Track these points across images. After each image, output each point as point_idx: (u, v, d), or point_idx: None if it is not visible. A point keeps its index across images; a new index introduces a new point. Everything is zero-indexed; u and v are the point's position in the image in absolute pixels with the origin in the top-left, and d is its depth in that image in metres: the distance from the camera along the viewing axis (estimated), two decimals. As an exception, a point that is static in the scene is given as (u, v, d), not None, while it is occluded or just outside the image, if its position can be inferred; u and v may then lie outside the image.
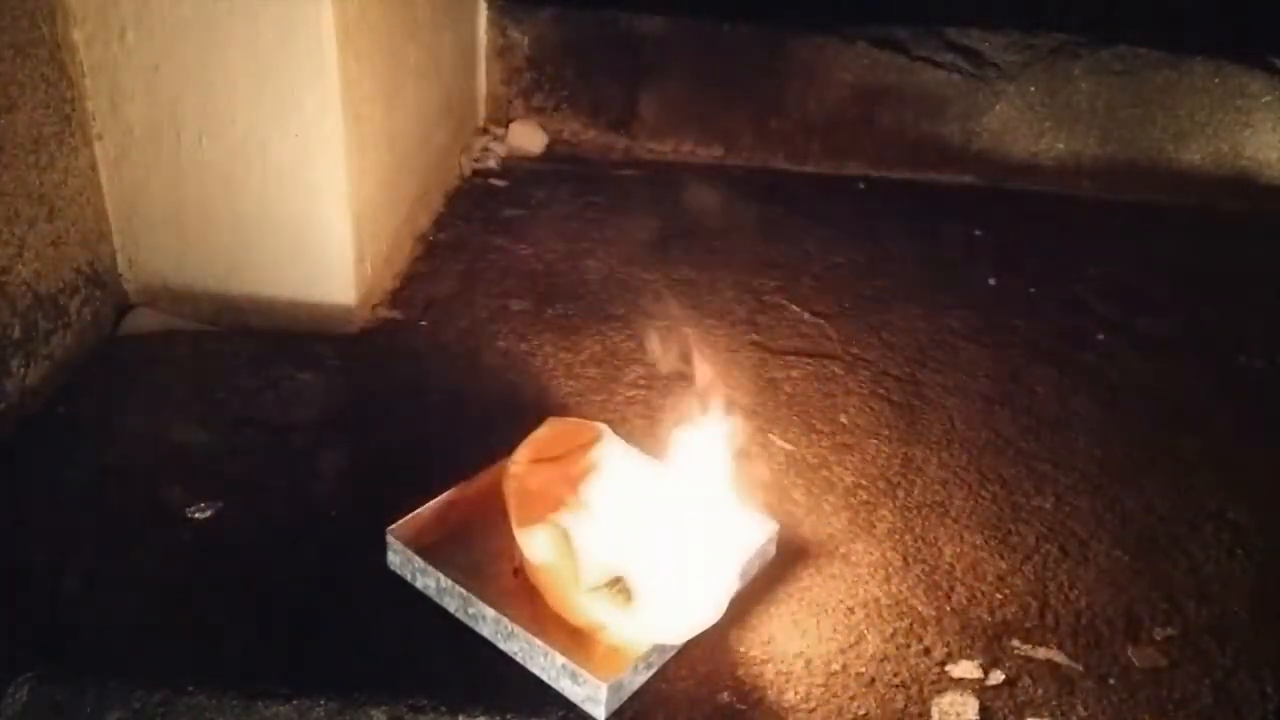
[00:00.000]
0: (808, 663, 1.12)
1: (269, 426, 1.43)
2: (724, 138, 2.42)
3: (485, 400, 1.52)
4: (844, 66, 2.33)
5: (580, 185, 2.24)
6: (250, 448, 1.39)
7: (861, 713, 1.07)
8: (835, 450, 1.46)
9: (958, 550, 1.30)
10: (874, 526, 1.33)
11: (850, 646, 1.15)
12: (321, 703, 1.04)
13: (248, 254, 1.62)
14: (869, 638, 1.16)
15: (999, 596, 1.23)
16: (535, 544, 1.09)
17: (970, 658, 1.14)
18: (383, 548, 1.18)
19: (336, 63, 1.49)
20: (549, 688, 1.06)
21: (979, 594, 1.23)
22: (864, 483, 1.40)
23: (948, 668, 1.13)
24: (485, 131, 2.41)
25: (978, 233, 2.14)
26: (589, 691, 1.03)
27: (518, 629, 1.07)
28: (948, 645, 1.16)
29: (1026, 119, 2.34)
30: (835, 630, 1.17)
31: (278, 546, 1.23)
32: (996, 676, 1.12)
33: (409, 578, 1.17)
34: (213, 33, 1.47)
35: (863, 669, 1.12)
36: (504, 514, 1.14)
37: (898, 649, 1.15)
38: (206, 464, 1.35)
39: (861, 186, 2.34)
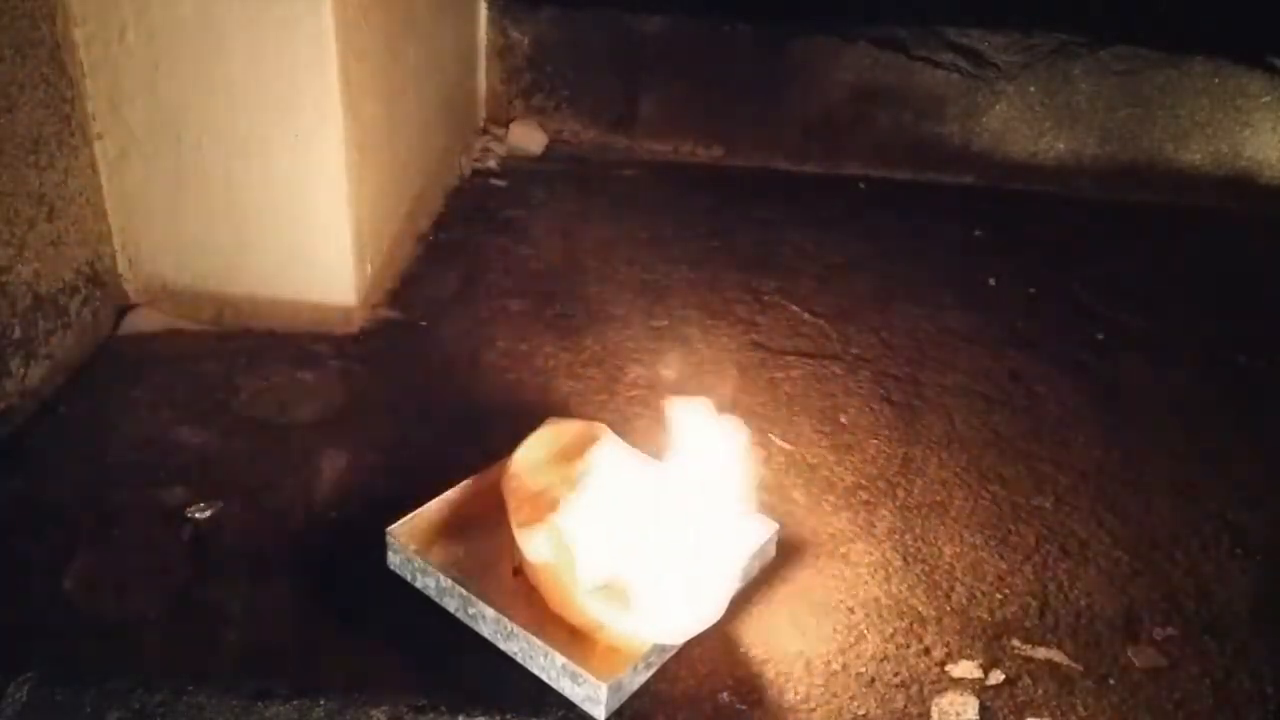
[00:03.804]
0: (808, 663, 1.12)
1: (269, 426, 1.43)
2: (724, 138, 2.42)
3: (485, 400, 1.52)
4: (844, 66, 2.34)
5: (580, 185, 2.24)
6: (250, 448, 1.39)
7: (861, 713, 1.07)
8: (835, 450, 1.46)
9: (958, 550, 1.30)
10: (874, 526, 1.33)
11: (850, 646, 1.15)
12: (321, 703, 1.04)
13: (248, 254, 1.62)
14: (869, 638, 1.16)
15: (999, 596, 1.23)
16: (535, 544, 1.09)
17: (970, 658, 1.14)
18: (383, 548, 1.18)
19: (336, 63, 1.49)
20: (549, 688, 1.06)
21: (979, 594, 1.23)
22: (864, 483, 1.40)
23: (948, 668, 1.13)
24: (485, 131, 2.41)
25: (978, 233, 2.14)
26: (589, 691, 1.03)
27: (518, 629, 1.07)
28: (948, 645, 1.16)
29: (1026, 119, 2.34)
30: (835, 630, 1.17)
31: (278, 546, 1.23)
32: (996, 676, 1.12)
33: (409, 578, 1.17)
34: (213, 32, 1.47)
35: (863, 669, 1.12)
36: (504, 514, 1.14)
37: (898, 649, 1.15)
38: (206, 464, 1.35)
39: (861, 186, 2.34)
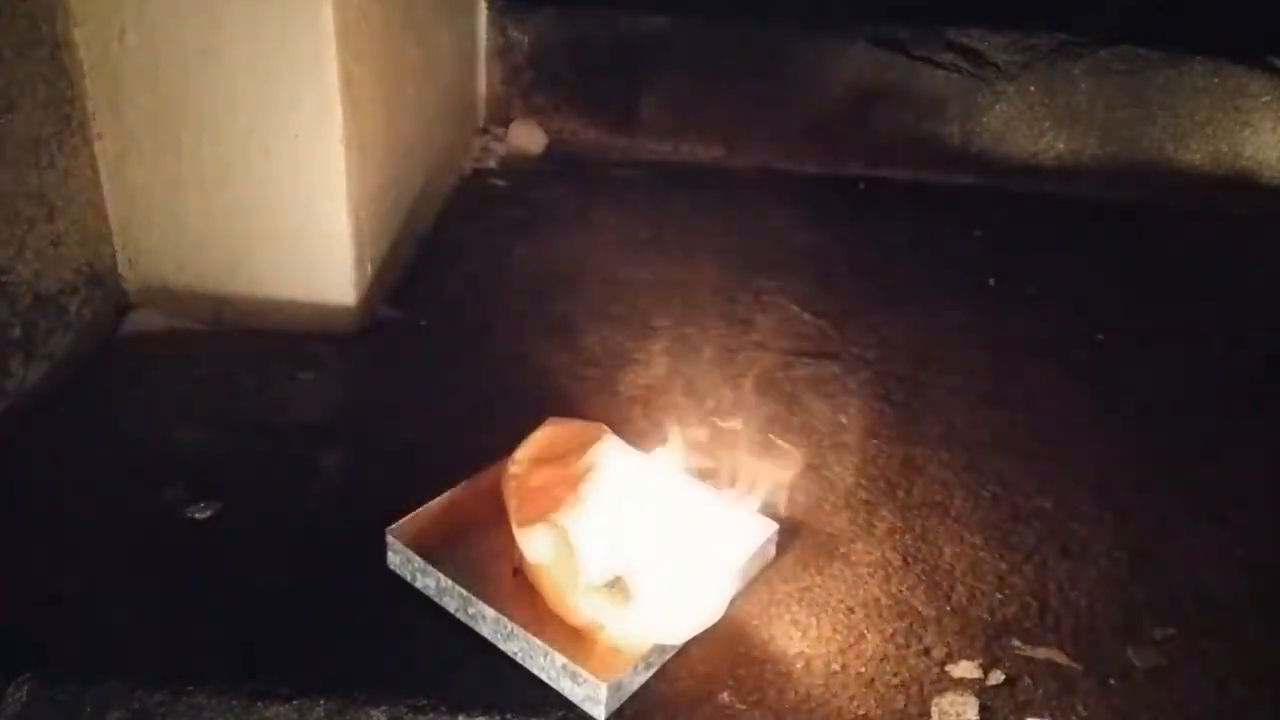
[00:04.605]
0: (808, 663, 1.12)
1: (269, 426, 1.43)
2: (724, 138, 2.42)
3: (485, 400, 1.52)
4: (844, 66, 2.34)
5: (580, 185, 2.24)
6: (250, 448, 1.39)
7: (861, 713, 1.07)
8: (835, 450, 1.46)
9: (958, 550, 1.30)
10: (874, 526, 1.32)
11: (850, 646, 1.15)
12: (321, 703, 1.04)
13: (248, 254, 1.62)
14: (869, 638, 1.16)
15: (999, 596, 1.23)
16: (535, 543, 1.09)
17: (970, 658, 1.14)
18: (383, 548, 1.18)
19: (336, 63, 1.49)
20: (549, 688, 1.06)
21: (979, 594, 1.23)
22: (864, 483, 1.40)
23: (948, 668, 1.13)
24: (485, 131, 2.41)
25: (978, 233, 2.14)
26: (589, 691, 1.03)
27: (518, 629, 1.07)
28: (948, 645, 1.16)
29: (1026, 119, 2.34)
30: (835, 630, 1.17)
31: (278, 546, 1.23)
32: (996, 676, 1.12)
33: (409, 578, 1.17)
34: (213, 33, 1.47)
35: (863, 669, 1.12)
36: (504, 514, 1.14)
37: (898, 649, 1.15)
38: (206, 464, 1.35)
39: (861, 186, 2.33)
